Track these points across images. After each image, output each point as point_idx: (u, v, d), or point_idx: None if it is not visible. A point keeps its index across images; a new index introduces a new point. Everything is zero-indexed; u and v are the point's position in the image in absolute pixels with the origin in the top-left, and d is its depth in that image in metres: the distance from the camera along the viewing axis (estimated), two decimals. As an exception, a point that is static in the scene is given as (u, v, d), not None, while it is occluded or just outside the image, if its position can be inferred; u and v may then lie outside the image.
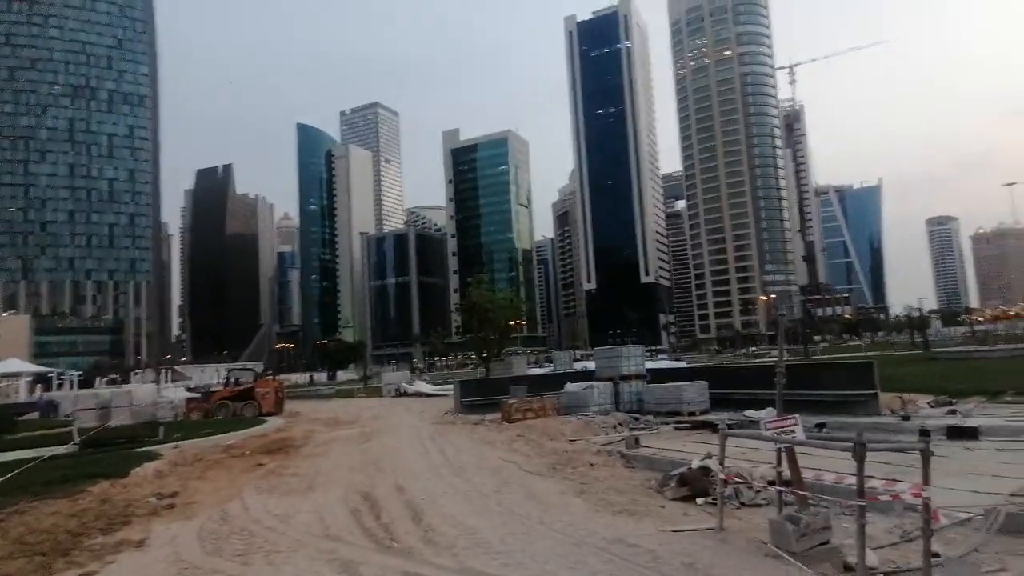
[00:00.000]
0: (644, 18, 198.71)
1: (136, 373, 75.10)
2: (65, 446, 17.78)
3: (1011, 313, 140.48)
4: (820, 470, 7.61)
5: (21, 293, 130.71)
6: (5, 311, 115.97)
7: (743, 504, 8.99)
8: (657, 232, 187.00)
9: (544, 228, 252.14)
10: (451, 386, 37.15)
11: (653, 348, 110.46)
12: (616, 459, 13.39)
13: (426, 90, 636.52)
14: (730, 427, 9.86)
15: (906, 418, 15.66)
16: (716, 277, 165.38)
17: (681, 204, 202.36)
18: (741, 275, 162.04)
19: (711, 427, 16.08)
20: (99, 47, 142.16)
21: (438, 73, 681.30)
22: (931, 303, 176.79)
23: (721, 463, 8.19)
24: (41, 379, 52.23)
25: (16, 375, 50.15)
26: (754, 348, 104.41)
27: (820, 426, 14.91)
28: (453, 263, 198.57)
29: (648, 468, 12.28)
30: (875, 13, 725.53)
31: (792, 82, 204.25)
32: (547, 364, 58.71)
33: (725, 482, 8.26)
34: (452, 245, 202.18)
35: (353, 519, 9.52)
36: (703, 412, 19.72)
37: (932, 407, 17.42)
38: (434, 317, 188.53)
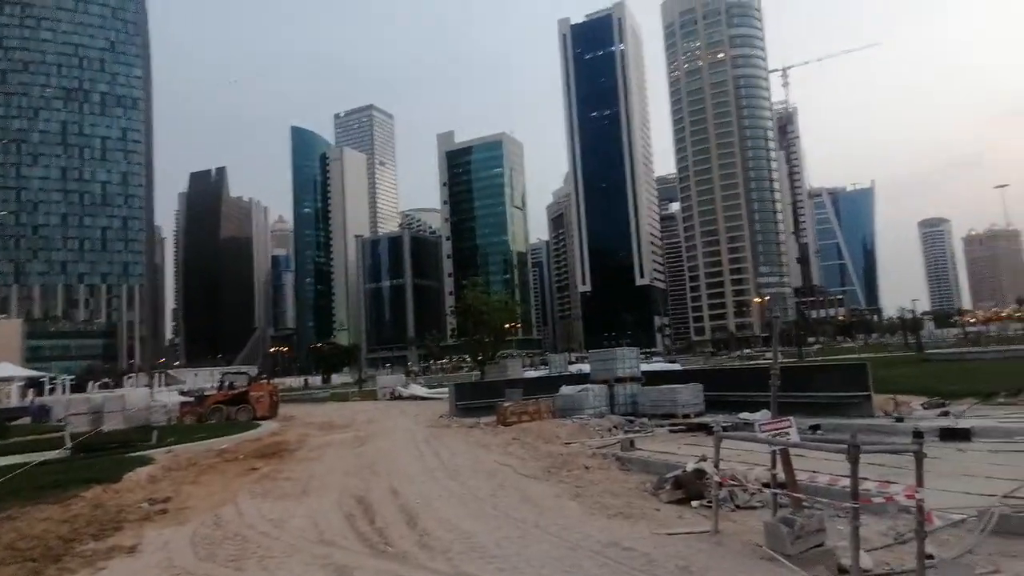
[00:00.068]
0: (638, 21, 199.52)
1: (129, 377, 74.74)
2: (57, 451, 17.64)
3: (1003, 314, 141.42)
4: (814, 472, 7.63)
5: (13, 297, 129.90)
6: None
7: (738, 507, 9.00)
8: (651, 234, 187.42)
9: (539, 231, 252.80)
10: (446, 389, 37.13)
11: (648, 350, 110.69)
12: (611, 462, 13.39)
13: (421, 93, 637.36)
14: (725, 429, 9.87)
15: (899, 420, 15.72)
16: (710, 279, 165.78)
17: (675, 206, 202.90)
18: (735, 277, 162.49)
19: (706, 429, 16.11)
20: (92, 50, 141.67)
21: (433, 76, 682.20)
22: (924, 305, 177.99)
23: (716, 466, 8.20)
24: (33, 383, 51.79)
25: (8, 379, 49.69)
26: (748, 350, 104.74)
27: (814, 428, 14.95)
28: (448, 266, 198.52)
29: (643, 471, 12.28)
30: (868, 16, 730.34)
31: (785, 85, 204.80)
32: (542, 367, 58.80)
33: (720, 485, 8.26)
34: (447, 248, 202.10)
35: (347, 523, 9.48)
36: (698, 414, 19.76)
37: (925, 409, 17.51)
38: (429, 320, 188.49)
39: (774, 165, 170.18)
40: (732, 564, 6.66)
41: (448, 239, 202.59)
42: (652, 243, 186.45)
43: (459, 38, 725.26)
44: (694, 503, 9.34)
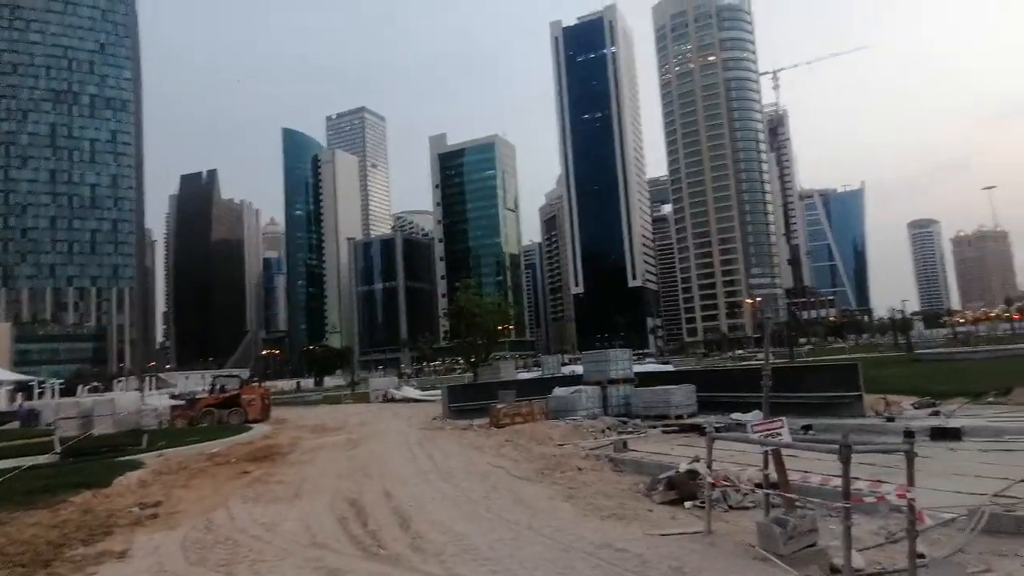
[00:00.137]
0: (629, 23, 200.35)
1: (119, 381, 74.15)
2: (46, 455, 17.49)
3: (992, 315, 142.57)
4: (806, 472, 7.66)
5: (1, 300, 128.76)
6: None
7: (731, 507, 9.02)
8: (644, 236, 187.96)
9: (531, 233, 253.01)
10: (439, 391, 37.06)
11: (640, 352, 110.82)
12: (604, 463, 13.40)
13: (413, 95, 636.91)
14: (717, 430, 9.90)
15: (890, 419, 15.82)
16: (702, 280, 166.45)
17: (667, 208, 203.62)
18: (727, 278, 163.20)
19: (699, 430, 16.14)
20: (81, 51, 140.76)
21: (425, 78, 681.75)
22: (913, 305, 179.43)
23: (708, 466, 8.21)
24: (22, 387, 51.36)
25: (-4, 384, 49.28)
26: (740, 351, 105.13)
27: (806, 428, 15.02)
28: (441, 268, 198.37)
29: (636, 472, 12.30)
30: (857, 20, 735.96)
31: (775, 87, 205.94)
32: (535, 368, 58.82)
33: (713, 485, 8.28)
34: (439, 250, 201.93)
35: (340, 526, 9.44)
36: (691, 415, 19.80)
37: (916, 408, 17.63)
38: (422, 322, 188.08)
39: (765, 167, 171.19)
40: (725, 565, 6.67)
41: (441, 241, 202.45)
42: (644, 245, 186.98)
43: (451, 40, 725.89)
44: (687, 504, 9.36)
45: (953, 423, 14.01)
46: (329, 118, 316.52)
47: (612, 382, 23.26)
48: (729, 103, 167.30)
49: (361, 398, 52.81)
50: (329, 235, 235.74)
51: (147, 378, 60.60)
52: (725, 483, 9.26)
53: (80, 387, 56.64)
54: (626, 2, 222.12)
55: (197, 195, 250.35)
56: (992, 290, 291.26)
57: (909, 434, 5.91)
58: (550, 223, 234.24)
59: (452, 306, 61.42)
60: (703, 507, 8.23)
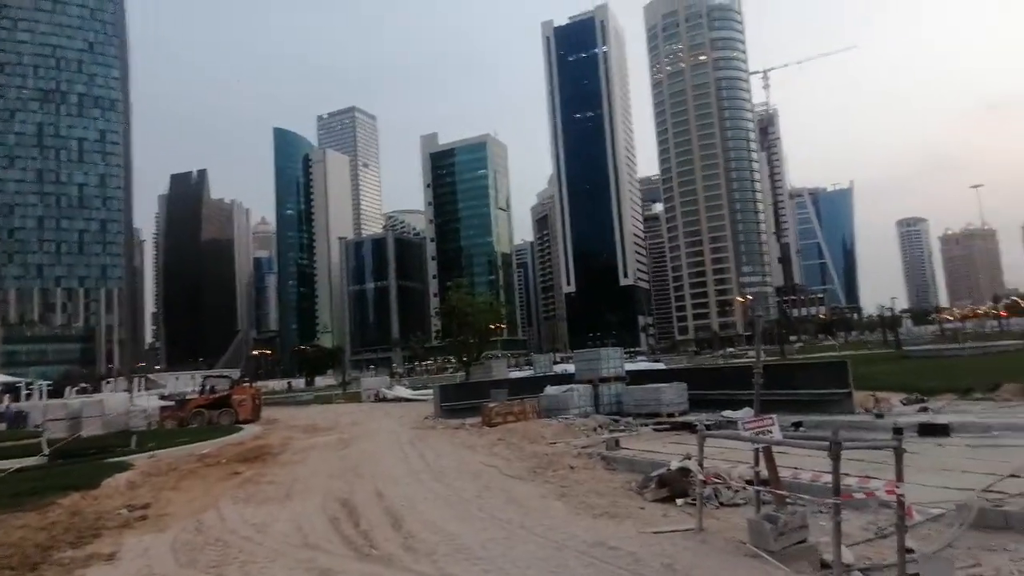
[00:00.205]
0: (620, 23, 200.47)
1: (108, 382, 73.63)
2: (34, 457, 17.35)
3: (979, 312, 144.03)
4: (797, 469, 7.70)
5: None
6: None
7: (722, 504, 9.06)
8: (635, 235, 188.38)
9: (523, 232, 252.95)
10: (431, 391, 37.03)
11: (632, 350, 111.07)
12: (596, 461, 13.42)
13: (404, 95, 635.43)
14: (708, 428, 9.93)
15: (880, 416, 15.95)
16: (694, 279, 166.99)
17: (659, 207, 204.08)
18: (718, 277, 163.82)
19: (690, 428, 16.19)
20: (69, 51, 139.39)
21: (416, 78, 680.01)
22: (902, 303, 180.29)
23: (700, 464, 8.24)
24: (9, 389, 50.85)
25: (-17, 385, 48.79)
26: (732, 349, 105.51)
27: (796, 425, 15.10)
28: (432, 267, 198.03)
29: (628, 470, 12.33)
30: (848, 19, 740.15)
31: (766, 87, 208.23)
32: (527, 367, 58.80)
33: (704, 483, 8.31)
34: (431, 249, 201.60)
35: (332, 527, 9.41)
36: (682, 413, 19.87)
37: (904, 405, 17.78)
38: (414, 322, 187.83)
39: (755, 166, 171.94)
40: (717, 561, 6.70)
41: (432, 241, 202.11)
42: (636, 244, 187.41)
43: (442, 40, 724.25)
44: (679, 501, 9.39)
45: (941, 419, 14.13)
46: (320, 117, 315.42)
47: (604, 380, 23.33)
48: (720, 102, 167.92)
49: (353, 398, 52.71)
50: (320, 234, 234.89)
51: (136, 379, 60.17)
52: (716, 480, 9.29)
53: (68, 388, 56.20)
54: (617, 2, 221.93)
55: (187, 195, 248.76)
56: (980, 287, 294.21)
57: (898, 430, 5.96)
58: (542, 222, 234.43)
59: (444, 305, 61.49)
60: (695, 504, 8.26)
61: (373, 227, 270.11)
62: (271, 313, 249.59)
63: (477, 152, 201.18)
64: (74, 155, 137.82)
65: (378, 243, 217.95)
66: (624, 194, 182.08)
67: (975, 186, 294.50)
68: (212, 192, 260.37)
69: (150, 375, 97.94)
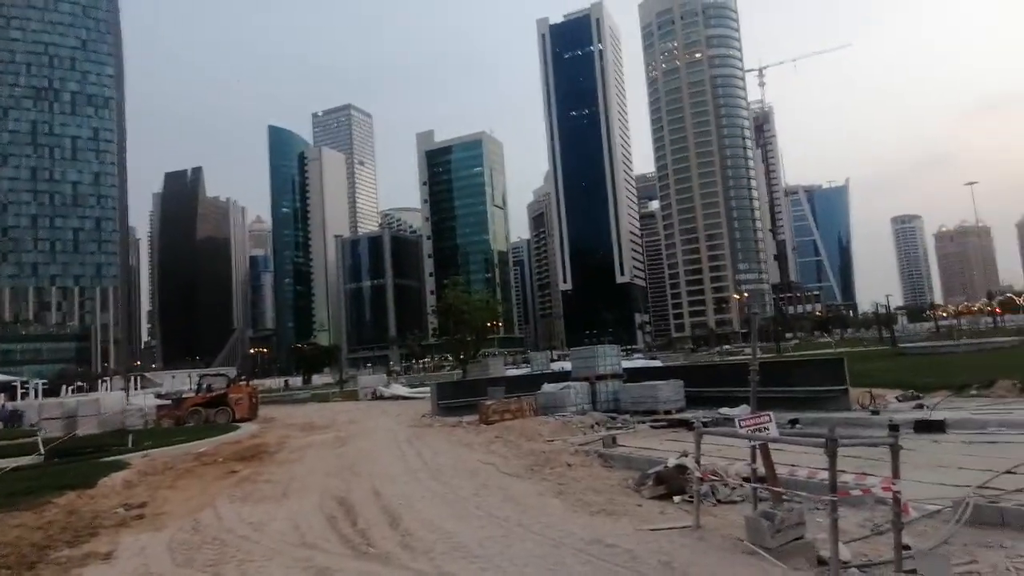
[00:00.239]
0: (616, 20, 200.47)
1: (104, 380, 73.35)
2: (30, 456, 17.29)
3: (974, 308, 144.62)
4: (794, 466, 7.73)
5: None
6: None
7: (719, 501, 9.07)
8: (631, 232, 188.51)
9: (520, 229, 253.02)
10: (428, 389, 37.01)
11: (629, 347, 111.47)
12: (594, 459, 13.43)
13: (399, 92, 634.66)
14: (705, 425, 9.94)
15: (875, 413, 15.98)
16: (690, 276, 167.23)
17: (655, 205, 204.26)
18: (714, 274, 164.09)
19: (687, 425, 16.22)
20: (62, 48, 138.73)
21: (411, 75, 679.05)
22: (897, 300, 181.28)
23: (697, 461, 8.25)
24: (4, 388, 50.63)
25: (-22, 385, 48.55)
26: (728, 346, 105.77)
27: (793, 422, 15.14)
28: (429, 265, 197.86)
29: (625, 467, 12.34)
30: (843, 17, 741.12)
31: (761, 84, 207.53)
32: (524, 365, 58.77)
33: (701, 480, 8.32)
34: (428, 247, 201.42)
35: (329, 525, 9.39)
36: (679, 410, 19.89)
37: (900, 401, 17.83)
38: (410, 319, 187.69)
39: (751, 163, 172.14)
40: (714, 559, 6.71)
41: (429, 238, 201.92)
42: (632, 241, 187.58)
43: (442, 39, 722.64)
44: (676, 498, 9.40)
45: (937, 416, 14.17)
46: (315, 115, 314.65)
47: (600, 378, 23.34)
48: (715, 100, 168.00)
49: (350, 396, 52.65)
50: (316, 232, 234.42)
51: (132, 378, 59.99)
52: (713, 478, 9.30)
53: (64, 387, 55.99)
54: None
55: (182, 193, 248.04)
56: (974, 284, 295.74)
57: (894, 427, 5.96)
58: (538, 220, 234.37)
59: (440, 303, 61.43)
60: (692, 502, 8.27)
61: (369, 225, 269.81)
62: (267, 311, 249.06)
63: (473, 150, 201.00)
64: (68, 153, 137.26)
65: (374, 241, 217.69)
66: (620, 192, 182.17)
67: (969, 183, 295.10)
68: (208, 190, 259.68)
69: (146, 374, 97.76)
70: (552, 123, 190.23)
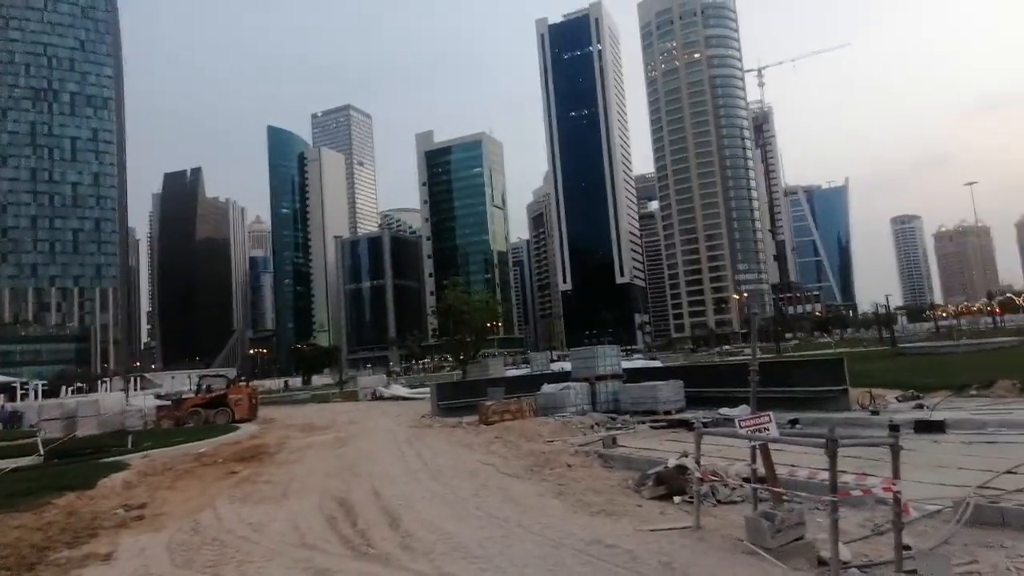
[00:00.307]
0: (615, 21, 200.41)
1: (103, 381, 73.29)
2: (29, 457, 17.27)
3: (973, 309, 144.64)
4: (794, 466, 7.72)
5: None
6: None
7: (719, 502, 9.06)
8: (631, 233, 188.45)
9: (519, 230, 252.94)
10: (428, 389, 36.99)
11: (628, 348, 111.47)
12: (594, 459, 13.42)
13: (399, 93, 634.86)
14: (705, 425, 9.94)
15: (875, 413, 15.98)
16: (689, 277, 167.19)
17: (654, 205, 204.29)
18: (714, 274, 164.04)
19: (687, 425, 16.21)
20: (61, 49, 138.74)
21: (411, 76, 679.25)
22: (897, 300, 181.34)
23: (697, 461, 8.24)
24: (4, 389, 50.60)
25: (-23, 386, 48.49)
26: (728, 346, 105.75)
27: (793, 422, 15.13)
28: (428, 265, 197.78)
29: (625, 468, 12.33)
30: (843, 17, 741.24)
31: (761, 84, 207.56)
32: (524, 365, 58.73)
33: (701, 480, 8.31)
34: (427, 248, 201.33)
35: (329, 526, 9.39)
36: (679, 411, 19.87)
37: (900, 402, 17.83)
38: (410, 320, 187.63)
39: (750, 164, 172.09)
40: (714, 559, 6.70)
41: (428, 239, 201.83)
42: (632, 241, 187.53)
43: (441, 40, 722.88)
44: (676, 499, 9.39)
45: (937, 416, 14.17)
46: (315, 116, 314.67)
47: (600, 378, 23.33)
48: (715, 100, 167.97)
49: (350, 397, 52.62)
50: (316, 233, 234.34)
51: (132, 378, 59.93)
52: (713, 478, 9.30)
53: (63, 388, 55.96)
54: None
55: (181, 194, 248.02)
56: (974, 284, 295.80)
57: (894, 427, 5.96)
58: (538, 220, 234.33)
59: (440, 304, 61.38)
60: (692, 502, 8.26)
61: (369, 226, 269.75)
62: (267, 312, 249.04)
63: (472, 150, 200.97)
64: (67, 154, 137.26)
65: (374, 241, 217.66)
66: (620, 192, 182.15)
67: (969, 183, 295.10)
68: (208, 191, 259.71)
69: (146, 374, 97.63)
70: (551, 123, 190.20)
